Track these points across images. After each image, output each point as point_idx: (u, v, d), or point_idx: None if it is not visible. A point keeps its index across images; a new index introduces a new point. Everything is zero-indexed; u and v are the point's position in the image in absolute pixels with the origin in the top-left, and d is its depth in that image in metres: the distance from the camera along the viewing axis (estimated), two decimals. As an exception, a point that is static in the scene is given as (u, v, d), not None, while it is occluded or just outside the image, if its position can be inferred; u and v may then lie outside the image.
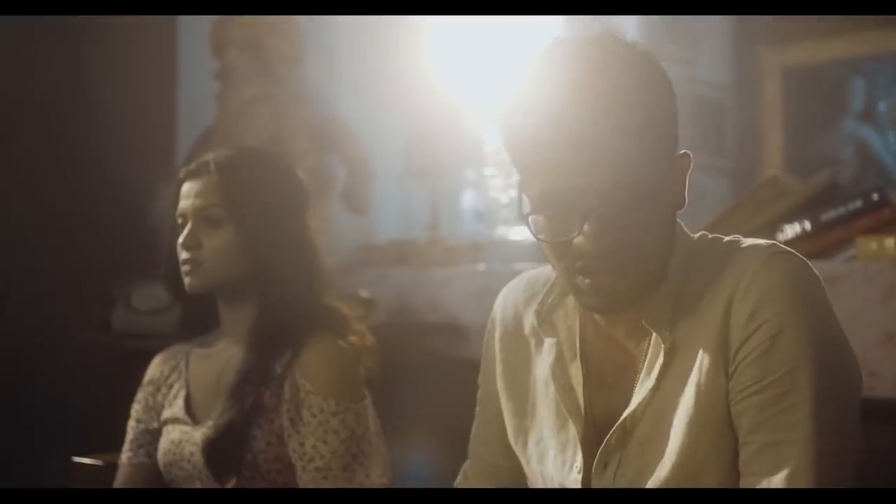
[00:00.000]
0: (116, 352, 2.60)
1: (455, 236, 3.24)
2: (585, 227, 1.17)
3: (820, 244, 2.34)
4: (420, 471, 2.47)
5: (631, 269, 1.21)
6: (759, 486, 1.16)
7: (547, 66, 1.19)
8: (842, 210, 2.32)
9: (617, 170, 1.16)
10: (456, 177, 3.45)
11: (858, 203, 2.31)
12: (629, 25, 4.97)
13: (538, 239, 1.23)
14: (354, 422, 1.77)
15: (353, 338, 1.86)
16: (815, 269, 1.24)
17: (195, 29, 3.31)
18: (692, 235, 1.31)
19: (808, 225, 2.36)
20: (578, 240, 1.18)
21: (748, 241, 1.27)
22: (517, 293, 1.45)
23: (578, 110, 1.14)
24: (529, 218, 1.22)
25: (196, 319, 1.95)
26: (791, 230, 2.39)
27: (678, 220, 1.32)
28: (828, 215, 2.35)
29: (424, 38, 3.37)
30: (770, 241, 1.26)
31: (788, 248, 1.25)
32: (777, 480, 1.14)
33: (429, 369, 2.78)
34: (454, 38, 3.31)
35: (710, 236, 1.31)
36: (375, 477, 1.77)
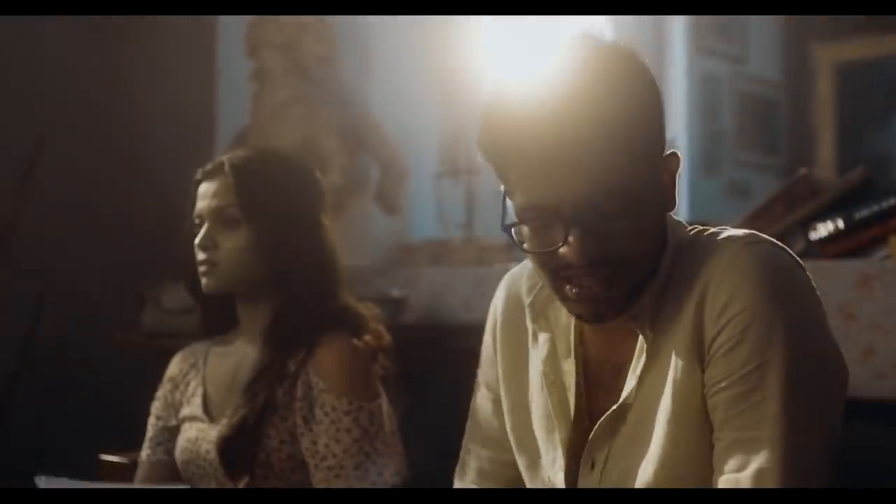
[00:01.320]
0: (148, 350, 2.63)
1: (489, 236, 3.23)
2: (570, 238, 1.15)
3: (853, 242, 2.30)
4: (447, 470, 2.45)
5: (619, 276, 1.19)
6: (727, 483, 1.14)
7: (524, 76, 1.17)
8: (875, 208, 2.27)
9: (600, 177, 1.13)
10: (491, 176, 3.43)
11: (893, 201, 2.26)
12: (678, 22, 4.93)
13: (523, 249, 1.21)
14: (367, 420, 1.76)
15: (368, 337, 1.86)
16: (797, 259, 1.21)
17: (235, 30, 3.33)
18: (686, 228, 1.28)
19: (841, 223, 2.32)
20: (563, 250, 1.16)
21: (727, 232, 1.24)
22: (520, 282, 1.42)
23: (557, 119, 1.12)
24: (513, 229, 1.20)
25: (215, 319, 1.96)
26: (824, 228, 2.34)
27: (676, 217, 1.29)
28: (861, 213, 2.30)
29: (459, 36, 3.36)
30: (748, 231, 1.23)
31: (767, 238, 1.22)
32: (745, 478, 1.13)
33: (462, 369, 2.77)
34: (490, 35, 3.30)
35: (695, 230, 1.27)
36: (388, 476, 1.76)
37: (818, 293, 1.21)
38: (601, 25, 4.17)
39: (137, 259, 3.12)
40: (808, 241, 2.37)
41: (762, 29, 5.34)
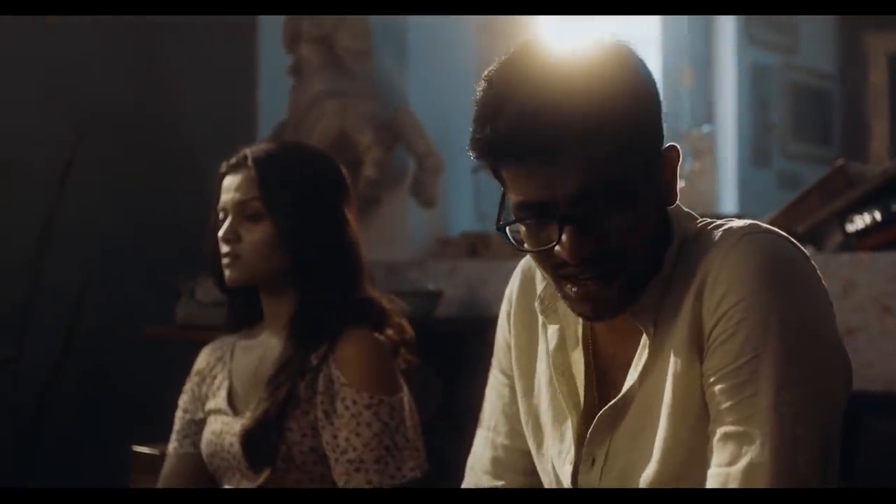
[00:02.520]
0: (181, 343, 2.65)
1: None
2: (563, 236, 1.14)
3: (890, 235, 2.26)
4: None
5: (617, 273, 1.17)
6: (717, 477, 1.12)
7: (513, 73, 1.15)
8: (914, 199, 2.23)
9: (590, 173, 1.12)
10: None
11: (931, 192, 2.22)
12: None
13: (518, 249, 1.20)
14: (388, 415, 1.76)
15: (390, 331, 1.86)
16: (800, 249, 1.18)
17: (276, 25, 3.35)
18: (696, 221, 1.25)
19: (878, 215, 2.28)
20: (558, 248, 1.15)
21: (730, 223, 1.21)
22: (535, 269, 1.40)
23: (547, 115, 1.11)
24: (508, 228, 1.19)
25: (242, 312, 1.97)
26: (861, 220, 2.31)
27: (686, 210, 1.27)
28: (899, 205, 2.26)
29: (496, 29, 3.35)
30: (749, 222, 1.21)
31: (768, 228, 1.19)
32: (735, 472, 1.11)
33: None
34: (526, 30, 3.29)
35: (702, 222, 1.25)
36: (408, 470, 1.76)
37: (824, 283, 1.18)
38: (651, 19, 4.14)
39: (175, 252, 3.16)
40: (844, 233, 2.34)
41: (813, 19, 5.26)
